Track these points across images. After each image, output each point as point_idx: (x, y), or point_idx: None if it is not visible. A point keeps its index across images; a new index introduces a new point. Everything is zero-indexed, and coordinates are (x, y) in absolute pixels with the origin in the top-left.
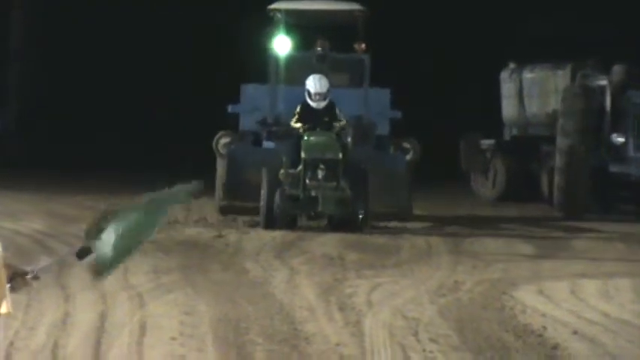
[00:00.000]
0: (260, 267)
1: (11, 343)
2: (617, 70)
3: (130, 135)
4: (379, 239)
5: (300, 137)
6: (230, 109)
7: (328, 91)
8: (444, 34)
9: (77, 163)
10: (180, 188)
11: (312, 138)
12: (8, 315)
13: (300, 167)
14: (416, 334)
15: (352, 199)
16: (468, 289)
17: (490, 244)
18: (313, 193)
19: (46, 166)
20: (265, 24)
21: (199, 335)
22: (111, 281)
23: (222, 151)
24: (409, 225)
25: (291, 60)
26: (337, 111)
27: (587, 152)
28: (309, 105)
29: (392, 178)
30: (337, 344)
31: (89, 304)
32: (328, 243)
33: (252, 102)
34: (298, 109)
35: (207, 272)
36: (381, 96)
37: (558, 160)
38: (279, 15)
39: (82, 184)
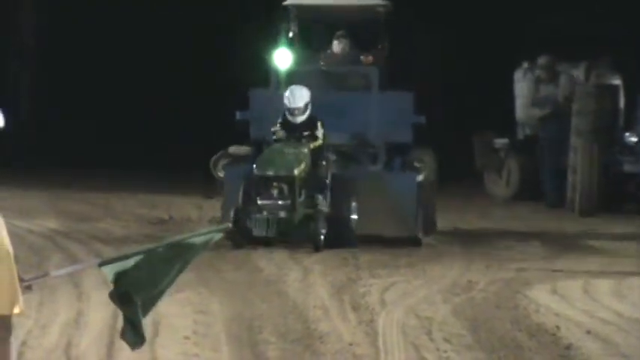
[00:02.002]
0: (274, 266)
1: (24, 342)
2: (543, 60)
3: (136, 134)
4: (392, 239)
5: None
6: (238, 115)
7: (306, 105)
8: (454, 31)
9: (86, 162)
10: (206, 238)
11: (267, 152)
12: (21, 314)
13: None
14: (429, 333)
15: (315, 218)
16: (482, 289)
17: (503, 243)
18: (264, 214)
19: (57, 165)
20: (268, 23)
21: (213, 334)
22: None
23: (221, 174)
24: None
25: (292, 74)
26: (319, 127)
27: (601, 151)
28: (287, 119)
29: (399, 202)
30: (351, 343)
31: (102, 303)
32: None
33: (262, 108)
34: (280, 119)
35: (221, 271)
36: (402, 100)
37: (572, 160)
38: (294, 11)
39: (94, 183)
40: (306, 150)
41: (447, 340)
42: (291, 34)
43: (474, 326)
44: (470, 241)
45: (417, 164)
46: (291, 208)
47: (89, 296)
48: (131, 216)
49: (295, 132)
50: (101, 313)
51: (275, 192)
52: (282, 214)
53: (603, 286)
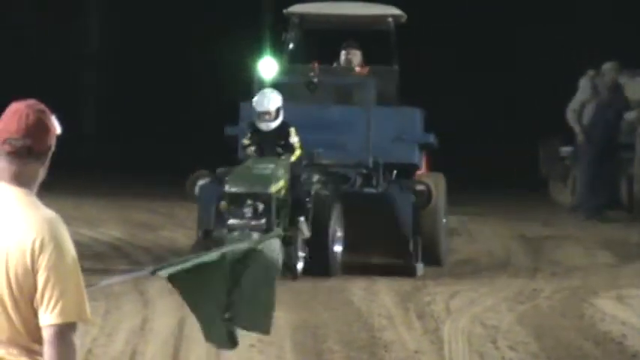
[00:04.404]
0: (338, 274)
1: (90, 350)
2: (608, 67)
3: (201, 138)
4: (455, 247)
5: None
6: (227, 131)
7: (278, 110)
8: (514, 40)
9: (148, 168)
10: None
11: (241, 167)
12: (88, 322)
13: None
14: (495, 341)
15: (293, 240)
16: (547, 297)
17: (569, 251)
18: (236, 234)
19: (122, 170)
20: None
21: (278, 342)
22: None
23: (197, 194)
24: (485, 232)
25: (277, 86)
26: (292, 135)
27: None
28: (256, 126)
29: (392, 227)
30: (416, 352)
31: (168, 310)
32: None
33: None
34: (249, 129)
35: (285, 279)
36: (407, 117)
37: (637, 168)
38: (296, 20)
39: (156, 190)
40: (285, 165)
41: (512, 349)
42: (291, 45)
43: (540, 334)
44: (535, 249)
45: (418, 187)
46: (265, 230)
47: (154, 303)
48: (195, 223)
49: (265, 142)
50: (167, 320)
51: (248, 211)
52: (255, 235)
53: None
